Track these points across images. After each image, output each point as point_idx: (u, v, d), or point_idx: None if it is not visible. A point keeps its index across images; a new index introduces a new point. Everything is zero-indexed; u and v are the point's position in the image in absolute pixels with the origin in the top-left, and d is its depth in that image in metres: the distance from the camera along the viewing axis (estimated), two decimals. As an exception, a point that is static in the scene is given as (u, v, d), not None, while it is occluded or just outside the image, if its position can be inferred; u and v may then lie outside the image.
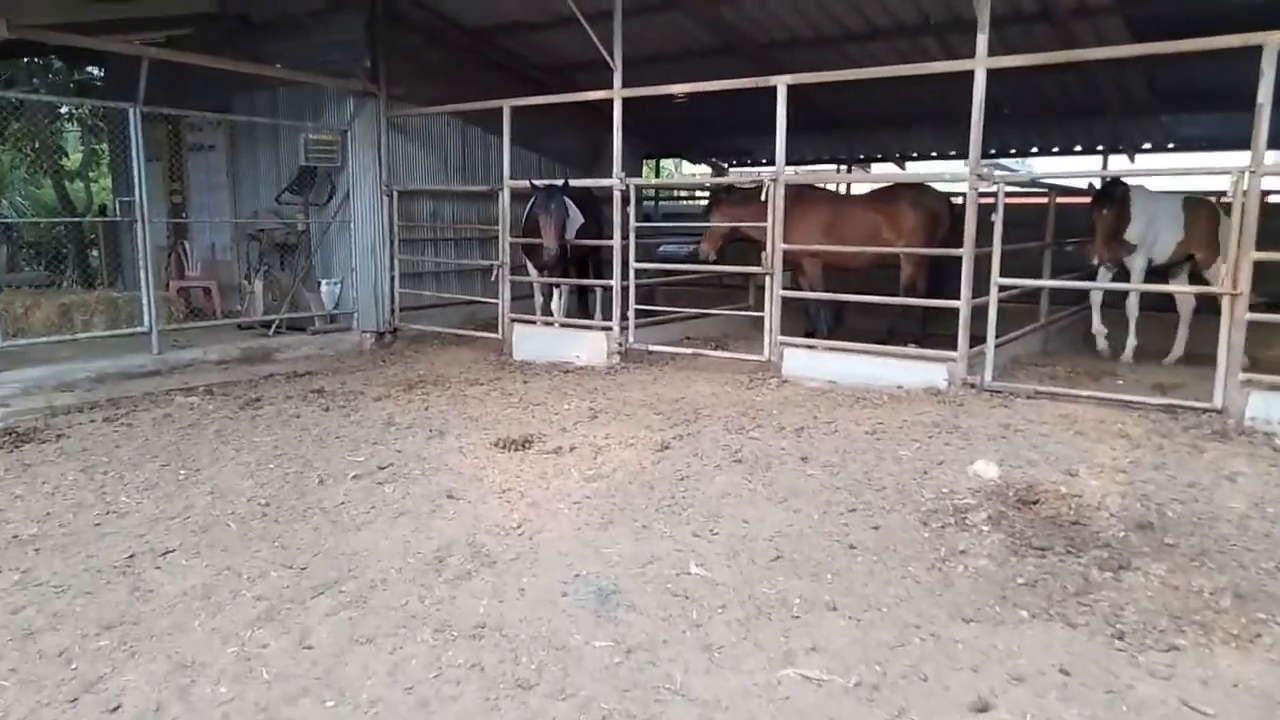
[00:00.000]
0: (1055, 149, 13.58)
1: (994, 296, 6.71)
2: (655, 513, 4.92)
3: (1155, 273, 8.07)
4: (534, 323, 9.59)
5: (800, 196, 9.94)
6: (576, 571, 4.26)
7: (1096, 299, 8.15)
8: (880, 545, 4.42)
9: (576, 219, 8.98)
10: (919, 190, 9.15)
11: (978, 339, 6.94)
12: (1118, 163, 12.72)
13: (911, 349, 7.40)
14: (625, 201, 8.58)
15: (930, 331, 9.35)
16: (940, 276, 9.32)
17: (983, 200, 6.90)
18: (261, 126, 10.72)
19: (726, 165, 16.58)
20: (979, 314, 6.83)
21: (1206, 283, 7.63)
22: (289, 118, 10.39)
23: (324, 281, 10.43)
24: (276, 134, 10.75)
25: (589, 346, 8.78)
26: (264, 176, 11.00)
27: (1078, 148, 13.39)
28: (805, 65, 10.23)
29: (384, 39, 10.00)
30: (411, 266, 10.81)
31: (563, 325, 9.39)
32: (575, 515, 4.92)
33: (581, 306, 10.75)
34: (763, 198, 7.58)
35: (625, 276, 8.66)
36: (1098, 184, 7.57)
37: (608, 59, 8.24)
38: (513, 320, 9.41)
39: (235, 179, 11.24)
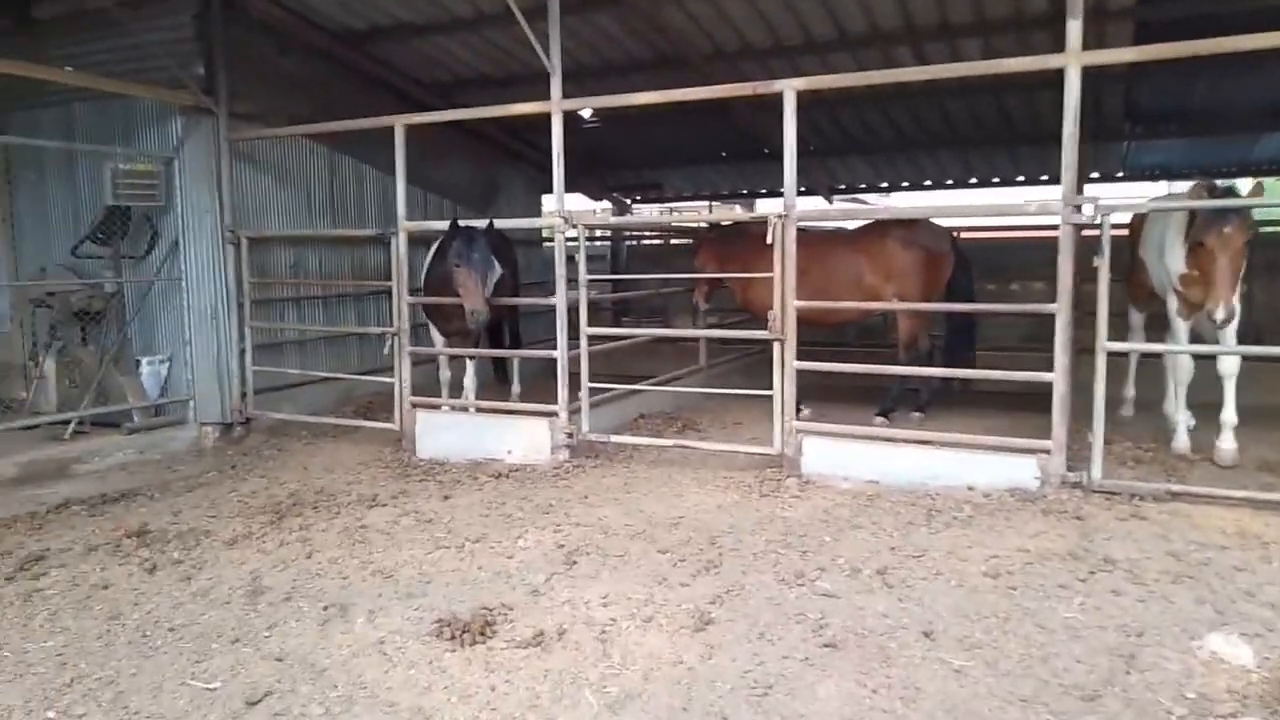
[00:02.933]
0: (950, 181, 12.64)
1: (1101, 364, 5.06)
2: (758, 781, 2.86)
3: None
4: (440, 407, 7.30)
5: (750, 234, 8.21)
6: None
7: (1187, 368, 6.03)
8: (1191, 844, 2.53)
9: (496, 270, 6.83)
10: (911, 226, 7.55)
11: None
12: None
13: (965, 437, 5.64)
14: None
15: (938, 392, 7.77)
16: (959, 332, 7.75)
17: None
18: (50, 154, 7.99)
19: (630, 201, 14.74)
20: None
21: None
22: (91, 141, 7.74)
23: (145, 360, 7.76)
24: (73, 163, 8.05)
25: (525, 439, 6.60)
26: (56, 221, 8.23)
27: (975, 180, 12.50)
28: (761, 76, 8.60)
29: (223, 41, 7.56)
30: (268, 335, 8.28)
31: (482, 410, 7.15)
32: (624, 803, 2.79)
33: (500, 375, 8.57)
34: (768, 239, 5.70)
35: (574, 344, 6.56)
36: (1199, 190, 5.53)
37: (545, 62, 6.21)
38: (415, 405, 7.09)
39: (14, 225, 8.40)
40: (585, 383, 6.48)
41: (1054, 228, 11.30)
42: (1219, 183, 5.59)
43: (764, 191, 14.09)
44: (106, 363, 7.53)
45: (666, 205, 18.69)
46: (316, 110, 8.15)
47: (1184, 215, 5.47)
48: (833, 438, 5.75)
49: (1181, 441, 6.12)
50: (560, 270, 6.45)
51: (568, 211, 6.26)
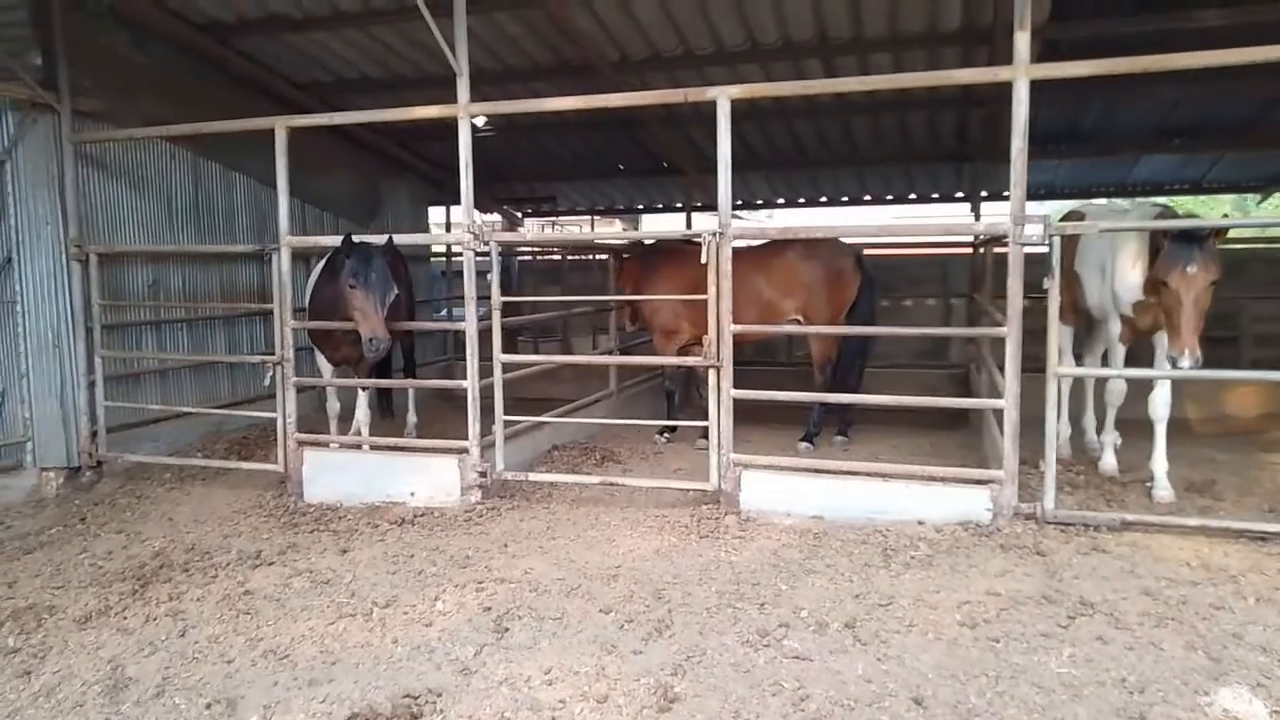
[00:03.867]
0: (846, 199, 12.79)
1: (1052, 390, 4.88)
2: None
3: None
4: (330, 444, 6.53)
5: (661, 250, 7.88)
6: None
7: (1121, 392, 5.87)
8: None
9: (394, 291, 6.14)
10: (812, 242, 7.33)
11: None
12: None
13: (919, 469, 5.36)
14: (505, 266, 5.91)
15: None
16: (855, 353, 7.58)
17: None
18: None
19: (520, 215, 14.14)
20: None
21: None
22: (-104, 140, 6.58)
23: (-30, 396, 6.64)
24: (-125, 166, 6.83)
25: (431, 478, 5.94)
26: None
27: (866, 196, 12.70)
28: (668, 86, 8.24)
29: (65, 28, 6.57)
30: (123, 365, 7.26)
31: (379, 447, 6.43)
32: None
33: (385, 405, 7.82)
34: (703, 259, 5.28)
35: (486, 371, 5.96)
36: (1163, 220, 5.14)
37: (451, 61, 5.59)
38: (301, 443, 6.30)
39: None
40: (500, 415, 5.88)
41: (943, 245, 11.57)
42: (1169, 204, 5.49)
43: (660, 206, 13.80)
44: (-80, 401, 6.38)
45: (550, 219, 18.26)
46: (178, 110, 7.21)
47: (1139, 238, 5.28)
48: (773, 471, 5.37)
49: (1109, 462, 6.08)
50: (470, 290, 5.83)
51: (479, 225, 5.65)
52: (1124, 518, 4.77)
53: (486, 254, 5.95)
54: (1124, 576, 4.26)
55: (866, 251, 7.95)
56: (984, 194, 11.68)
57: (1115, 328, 5.66)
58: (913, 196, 12.55)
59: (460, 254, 5.84)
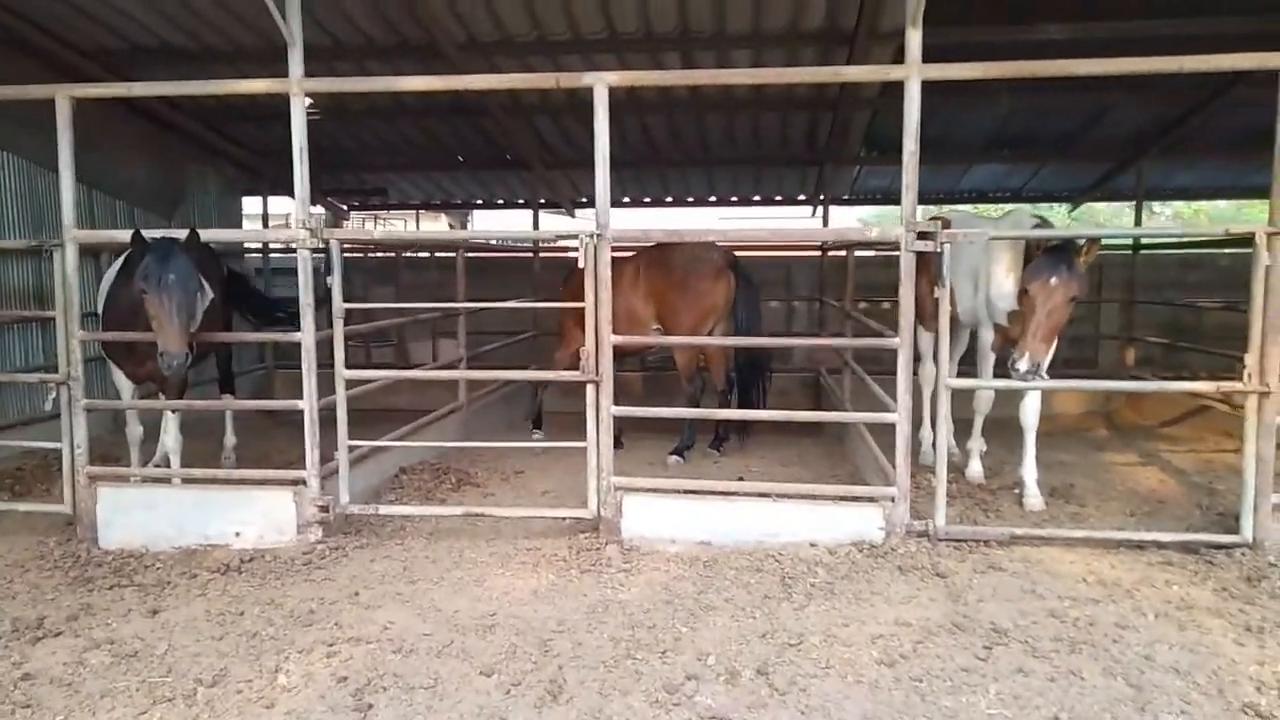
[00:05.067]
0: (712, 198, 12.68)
1: (945, 402, 4.73)
2: None
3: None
4: (131, 478, 5.53)
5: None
6: None
7: (989, 399, 5.95)
8: None
9: (206, 295, 5.25)
10: (666, 247, 6.99)
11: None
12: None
13: (789, 487, 5.09)
14: (326, 265, 5.12)
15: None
16: (745, 367, 7.31)
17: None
18: None
19: (346, 207, 13.05)
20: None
21: None
22: None
23: None
24: None
25: (261, 515, 5.09)
26: None
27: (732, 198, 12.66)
28: (518, 71, 7.65)
29: None
30: None
31: (193, 480, 5.49)
32: None
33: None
34: (580, 263, 4.78)
35: (326, 389, 5.19)
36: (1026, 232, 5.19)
37: (282, 29, 4.77)
38: (93, 477, 5.27)
39: None
40: (344, 440, 5.13)
41: (789, 248, 11.58)
42: (1043, 215, 5.52)
43: (501, 203, 13.13)
44: None
45: (375, 213, 17.16)
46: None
47: (1013, 247, 5.26)
48: (657, 494, 4.96)
49: (976, 470, 6.12)
50: (306, 295, 5.04)
51: (316, 221, 4.88)
52: (1013, 532, 4.71)
53: (322, 252, 5.18)
54: (1027, 597, 4.15)
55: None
56: (820, 197, 11.83)
57: (988, 336, 5.67)
58: (757, 199, 12.56)
59: (282, 252, 5.03)
